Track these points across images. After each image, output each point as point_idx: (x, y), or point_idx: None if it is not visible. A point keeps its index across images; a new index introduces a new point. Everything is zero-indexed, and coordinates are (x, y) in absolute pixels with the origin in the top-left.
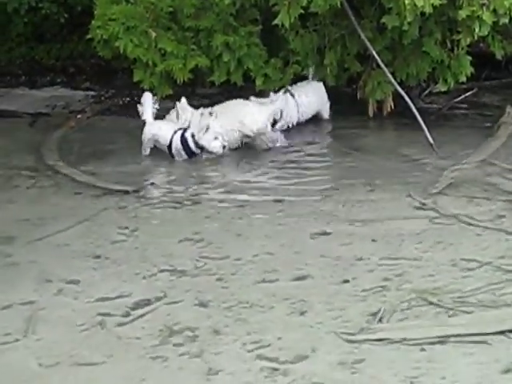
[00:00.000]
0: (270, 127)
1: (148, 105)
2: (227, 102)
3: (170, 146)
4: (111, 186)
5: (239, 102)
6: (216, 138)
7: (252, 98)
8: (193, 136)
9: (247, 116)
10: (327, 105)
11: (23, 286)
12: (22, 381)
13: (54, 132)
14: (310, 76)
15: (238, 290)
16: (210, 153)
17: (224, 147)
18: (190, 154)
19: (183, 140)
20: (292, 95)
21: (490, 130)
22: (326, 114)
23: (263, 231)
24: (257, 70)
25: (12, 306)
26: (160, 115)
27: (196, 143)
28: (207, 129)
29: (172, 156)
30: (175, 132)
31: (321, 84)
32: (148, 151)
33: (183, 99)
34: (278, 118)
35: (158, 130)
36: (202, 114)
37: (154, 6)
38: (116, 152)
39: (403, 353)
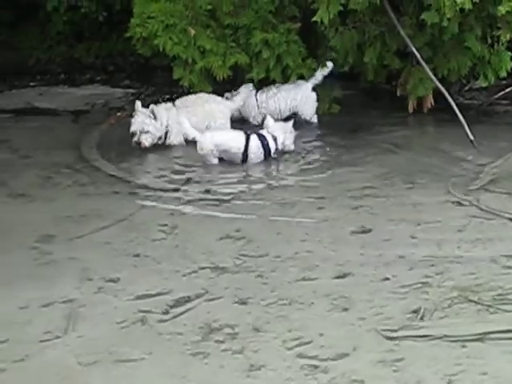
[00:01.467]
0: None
1: (186, 123)
2: (194, 96)
3: (245, 152)
4: (151, 183)
5: (205, 97)
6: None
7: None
8: (275, 139)
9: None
10: (309, 108)
11: (63, 284)
12: (62, 378)
13: (93, 129)
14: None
15: (278, 287)
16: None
17: None
18: (267, 156)
19: (265, 144)
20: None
21: None
22: (308, 117)
23: (303, 229)
24: (295, 67)
25: (52, 303)
26: None
27: (276, 146)
28: (291, 131)
29: (243, 161)
30: (248, 137)
31: (304, 86)
32: (216, 161)
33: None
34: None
35: (224, 140)
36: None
37: (192, 4)
38: (155, 149)
39: (444, 350)
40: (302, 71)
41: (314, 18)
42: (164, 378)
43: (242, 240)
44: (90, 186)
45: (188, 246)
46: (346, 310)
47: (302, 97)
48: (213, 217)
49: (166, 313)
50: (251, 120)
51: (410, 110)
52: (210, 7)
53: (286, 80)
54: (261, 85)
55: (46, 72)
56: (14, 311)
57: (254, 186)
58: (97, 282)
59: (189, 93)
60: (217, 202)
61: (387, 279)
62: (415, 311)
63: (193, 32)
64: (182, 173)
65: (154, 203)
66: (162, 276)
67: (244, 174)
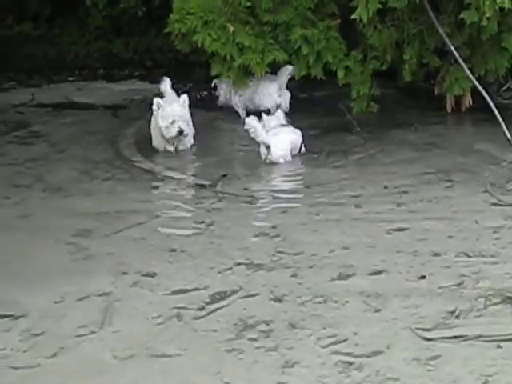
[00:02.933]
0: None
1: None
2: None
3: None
4: (187, 179)
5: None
6: None
7: None
8: None
9: None
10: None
11: (99, 278)
12: (97, 372)
13: (131, 125)
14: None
15: (314, 285)
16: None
17: None
18: None
19: None
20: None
21: None
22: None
23: (339, 226)
24: (337, 62)
25: (88, 297)
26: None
27: None
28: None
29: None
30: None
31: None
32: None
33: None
34: None
35: (295, 139)
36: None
37: (232, 0)
38: (192, 145)
39: (479, 350)
40: (346, 63)
41: (352, 16)
42: (198, 374)
43: (277, 237)
44: (127, 182)
45: (224, 243)
46: (380, 308)
47: (262, 90)
48: (249, 214)
49: (201, 309)
50: (234, 107)
51: (448, 109)
52: (248, 4)
53: (328, 76)
54: (302, 83)
55: (85, 67)
56: (50, 305)
57: (290, 184)
58: (133, 277)
59: None
60: (253, 199)
61: (423, 278)
62: (450, 311)
63: (231, 28)
64: (221, 169)
65: (190, 199)
66: (197, 272)
67: (280, 170)
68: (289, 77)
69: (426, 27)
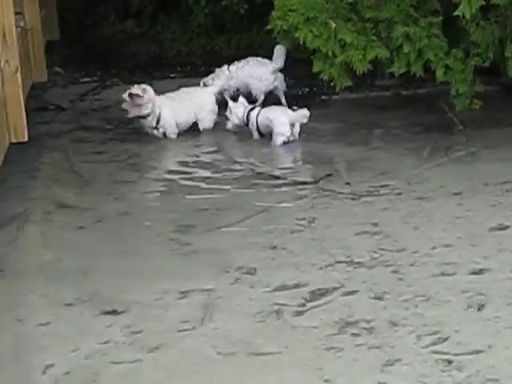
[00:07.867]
0: None
1: None
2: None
3: None
4: (289, 176)
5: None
6: None
7: None
8: None
9: None
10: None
11: (201, 275)
12: (198, 368)
13: None
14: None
15: (415, 283)
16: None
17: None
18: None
19: None
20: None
21: None
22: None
23: (441, 224)
24: (437, 61)
25: (190, 293)
26: None
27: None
28: None
29: None
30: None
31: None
32: None
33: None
34: None
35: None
36: None
37: None
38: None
39: None
40: (447, 62)
41: (455, 13)
42: (298, 371)
43: (379, 235)
44: (228, 180)
45: (325, 240)
46: (483, 306)
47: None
48: (350, 211)
49: (302, 306)
50: (225, 92)
51: None
52: (351, 0)
53: (428, 75)
54: (402, 81)
55: (187, 64)
56: (151, 301)
57: (391, 181)
58: (234, 274)
59: (328, 86)
60: (355, 196)
61: None
62: None
63: (334, 25)
64: (322, 166)
65: (292, 196)
66: (298, 269)
67: (381, 167)
68: (284, 58)
69: None
